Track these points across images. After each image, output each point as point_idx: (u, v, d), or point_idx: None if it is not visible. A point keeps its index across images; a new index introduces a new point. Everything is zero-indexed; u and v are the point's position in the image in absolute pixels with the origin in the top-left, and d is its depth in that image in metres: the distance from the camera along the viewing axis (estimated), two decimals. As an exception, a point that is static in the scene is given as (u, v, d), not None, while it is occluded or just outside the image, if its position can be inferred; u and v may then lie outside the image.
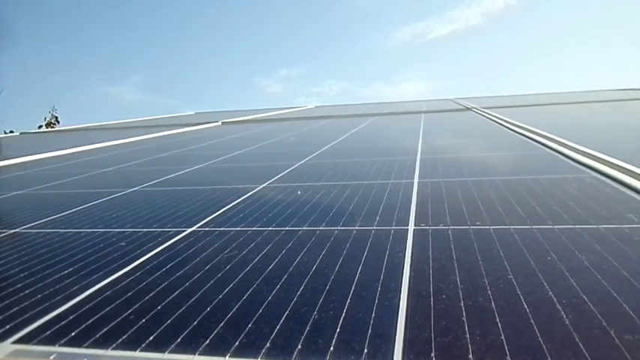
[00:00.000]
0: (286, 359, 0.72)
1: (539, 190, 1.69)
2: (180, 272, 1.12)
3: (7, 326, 0.88)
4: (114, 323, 0.87)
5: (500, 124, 4.62)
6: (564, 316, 0.80)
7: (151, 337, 0.81)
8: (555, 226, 1.28)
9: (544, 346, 0.71)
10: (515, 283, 0.94)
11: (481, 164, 2.34)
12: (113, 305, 0.95)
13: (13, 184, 2.79)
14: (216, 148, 4.10)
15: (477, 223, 1.36)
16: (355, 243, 1.25)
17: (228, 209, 1.74)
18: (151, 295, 1.00)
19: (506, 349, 0.71)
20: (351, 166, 2.57)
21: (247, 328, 0.82)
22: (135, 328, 0.85)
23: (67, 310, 0.94)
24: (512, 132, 3.82)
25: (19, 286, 1.09)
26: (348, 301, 0.91)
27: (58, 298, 1.01)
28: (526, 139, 3.30)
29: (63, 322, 0.89)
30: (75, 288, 1.06)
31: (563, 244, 1.14)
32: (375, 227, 1.38)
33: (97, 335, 0.83)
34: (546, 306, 0.83)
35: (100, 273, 1.15)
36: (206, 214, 1.68)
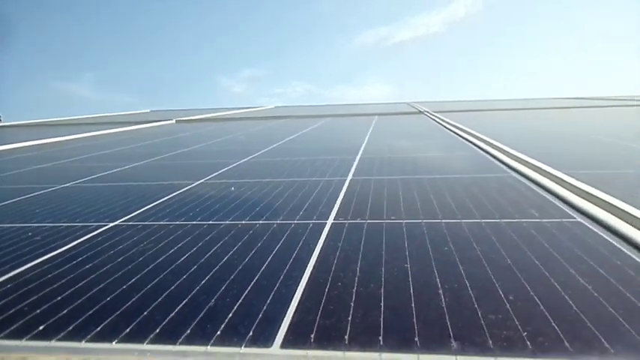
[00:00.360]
0: (171, 344, 0.74)
1: (459, 188, 1.78)
2: (90, 265, 1.11)
3: None
4: (5, 315, 0.86)
5: (446, 127, 4.79)
6: (442, 299, 0.86)
7: (41, 327, 0.81)
8: (462, 220, 1.36)
9: (415, 327, 0.76)
10: (409, 271, 1.00)
11: (414, 164, 2.43)
12: (9, 298, 0.94)
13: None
14: (164, 146, 4.04)
15: (393, 217, 1.42)
16: (273, 236, 1.28)
17: (157, 204, 1.73)
18: (53, 286, 0.99)
19: (381, 329, 0.76)
20: (292, 164, 2.60)
21: (141, 317, 0.83)
22: (27, 318, 0.85)
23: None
24: (454, 134, 3.98)
25: None
26: (248, 289, 0.94)
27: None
28: (464, 141, 3.44)
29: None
30: (-25, 281, 1.03)
31: (464, 236, 1.22)
32: (295, 221, 1.42)
33: (-15, 326, 0.82)
34: (430, 291, 0.89)
35: (7, 267, 1.12)
36: (134, 209, 1.67)
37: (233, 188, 1.97)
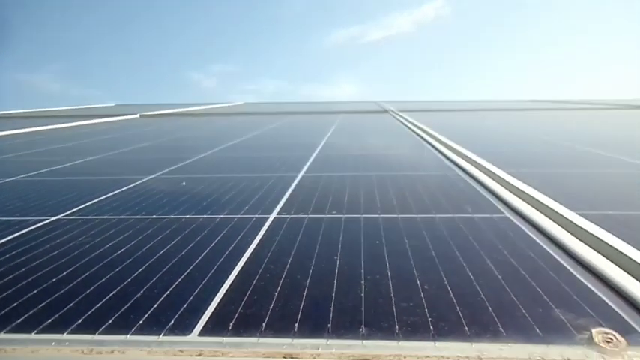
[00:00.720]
0: (91, 334, 0.76)
1: (404, 185, 1.85)
2: (20, 260, 1.10)
3: None
4: None
5: (407, 126, 4.89)
6: (363, 288, 0.90)
7: (-39, 319, 0.81)
8: (399, 216, 1.41)
9: (331, 314, 0.80)
10: (337, 263, 1.04)
11: (367, 161, 2.49)
12: None
13: None
14: (123, 140, 3.97)
15: (334, 212, 1.46)
16: (214, 230, 1.30)
17: (104, 199, 1.72)
18: (-20, 280, 0.98)
19: (298, 317, 0.80)
20: (247, 160, 2.62)
21: (65, 309, 0.84)
22: (-53, 311, 0.84)
23: None
24: (414, 134, 4.08)
25: None
26: (178, 281, 0.96)
27: None
28: (422, 140, 3.54)
29: None
30: None
31: (397, 230, 1.27)
32: (239, 215, 1.44)
33: None
34: (352, 281, 0.94)
35: None
36: (78, 204, 1.65)
37: (184, 183, 1.97)
